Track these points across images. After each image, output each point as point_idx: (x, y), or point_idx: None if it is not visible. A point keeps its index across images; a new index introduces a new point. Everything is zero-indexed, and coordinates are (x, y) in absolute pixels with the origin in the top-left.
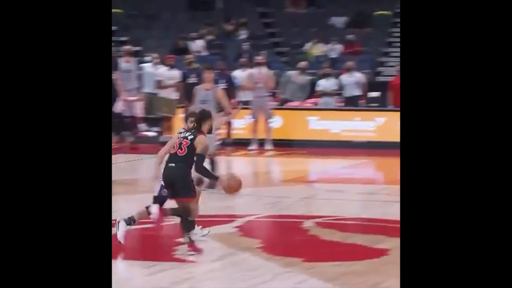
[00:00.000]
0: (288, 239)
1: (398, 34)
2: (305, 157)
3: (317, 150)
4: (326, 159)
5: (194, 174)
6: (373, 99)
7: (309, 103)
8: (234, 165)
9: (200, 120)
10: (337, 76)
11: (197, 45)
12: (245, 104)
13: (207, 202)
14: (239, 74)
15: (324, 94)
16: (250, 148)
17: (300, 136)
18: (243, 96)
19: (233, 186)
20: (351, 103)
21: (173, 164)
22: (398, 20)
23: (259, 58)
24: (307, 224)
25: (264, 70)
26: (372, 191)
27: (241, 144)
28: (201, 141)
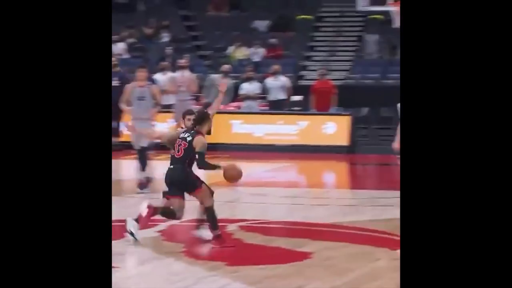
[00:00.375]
0: (211, 243)
1: (320, 38)
2: (228, 160)
3: (241, 153)
4: (250, 162)
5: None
6: (296, 103)
7: (232, 106)
8: (158, 168)
9: (200, 121)
10: (260, 79)
11: (118, 48)
12: (168, 108)
13: (130, 207)
14: (160, 78)
15: (247, 97)
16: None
17: (223, 140)
18: (165, 99)
19: (235, 175)
20: (276, 107)
21: (172, 166)
22: (320, 24)
23: (182, 61)
24: (231, 228)
25: (187, 73)
26: (295, 195)
27: (164, 147)
28: (199, 141)
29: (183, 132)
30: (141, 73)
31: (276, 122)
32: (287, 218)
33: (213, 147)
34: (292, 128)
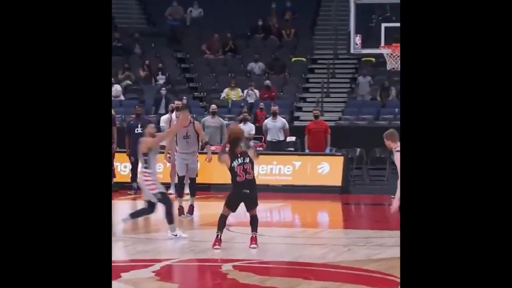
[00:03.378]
0: (206, 283)
1: (314, 80)
2: (223, 200)
3: None
4: None
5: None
6: (290, 144)
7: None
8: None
9: (238, 140)
10: (253, 120)
11: (115, 89)
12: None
13: (123, 247)
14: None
15: None
16: (169, 192)
17: (219, 180)
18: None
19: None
20: (274, 147)
21: (247, 191)
22: (314, 66)
23: (178, 103)
24: (225, 267)
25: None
26: (290, 234)
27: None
28: (254, 153)
29: (236, 159)
30: (185, 114)
31: (271, 162)
32: (281, 258)
33: (208, 188)
34: (286, 168)
